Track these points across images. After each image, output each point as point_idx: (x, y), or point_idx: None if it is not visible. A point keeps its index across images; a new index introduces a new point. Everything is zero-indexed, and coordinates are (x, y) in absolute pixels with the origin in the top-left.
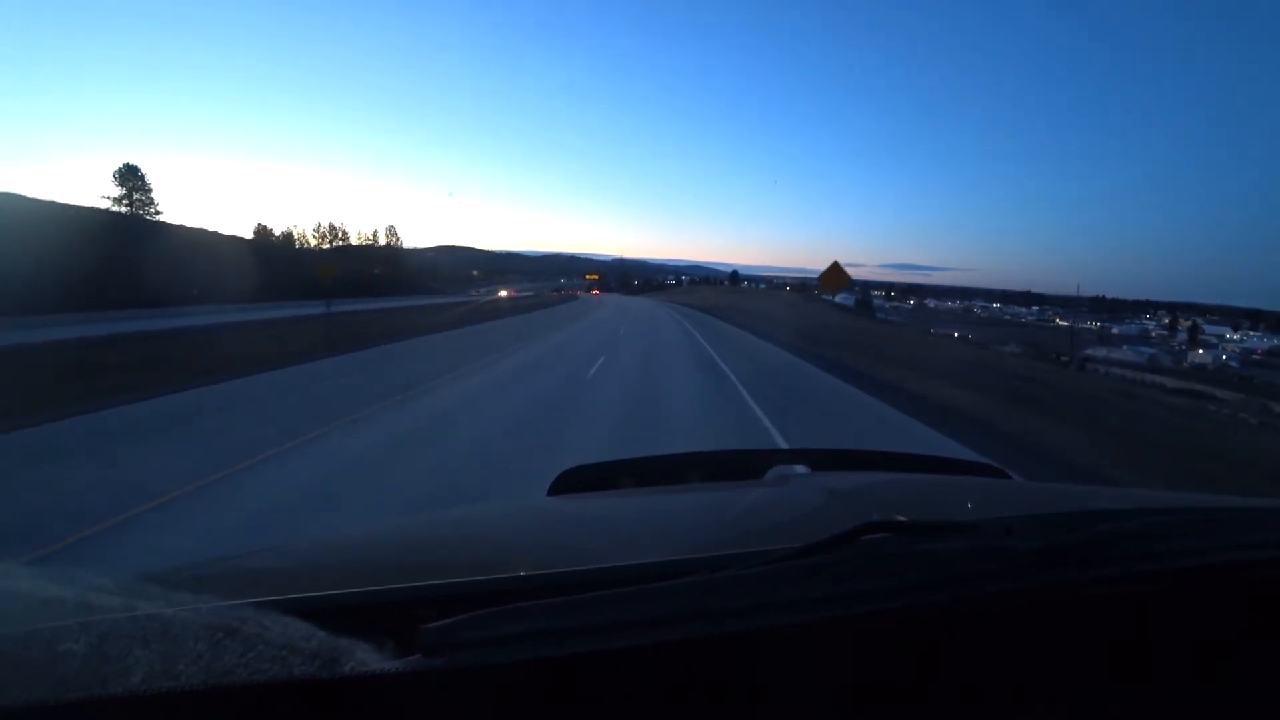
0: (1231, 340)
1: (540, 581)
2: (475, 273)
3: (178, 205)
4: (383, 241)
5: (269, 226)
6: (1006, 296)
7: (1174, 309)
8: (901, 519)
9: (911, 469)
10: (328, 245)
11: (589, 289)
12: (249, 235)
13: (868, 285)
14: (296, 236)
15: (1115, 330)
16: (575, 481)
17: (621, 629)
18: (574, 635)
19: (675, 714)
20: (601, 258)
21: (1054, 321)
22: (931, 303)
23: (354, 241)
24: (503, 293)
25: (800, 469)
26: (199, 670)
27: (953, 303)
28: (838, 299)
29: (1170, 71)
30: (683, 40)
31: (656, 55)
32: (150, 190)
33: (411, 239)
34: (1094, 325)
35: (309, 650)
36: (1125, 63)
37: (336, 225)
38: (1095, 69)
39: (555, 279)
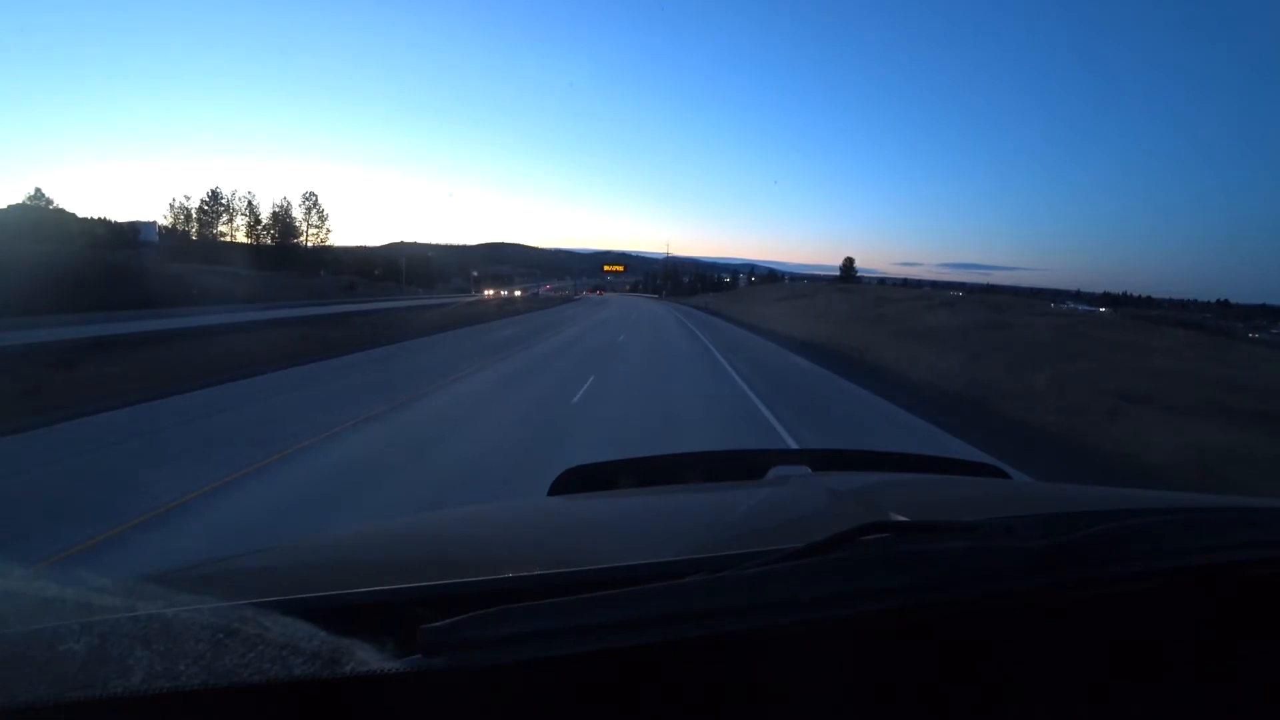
0: None
1: (540, 581)
2: (475, 273)
3: None
4: (301, 222)
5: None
6: (1111, 300)
7: None
8: (901, 519)
9: (912, 469)
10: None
11: (625, 285)
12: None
13: (937, 286)
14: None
15: None
16: (575, 481)
17: (621, 629)
18: (574, 635)
19: (675, 714)
20: (653, 255)
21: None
22: None
23: (264, 218)
24: (512, 292)
25: (801, 469)
26: (200, 670)
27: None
28: None
29: (1170, 73)
30: (733, 38)
31: (708, 52)
32: None
33: (461, 236)
34: (1254, 337)
35: (309, 650)
36: (1135, 56)
37: (226, 196)
38: (1118, 65)
39: (602, 276)
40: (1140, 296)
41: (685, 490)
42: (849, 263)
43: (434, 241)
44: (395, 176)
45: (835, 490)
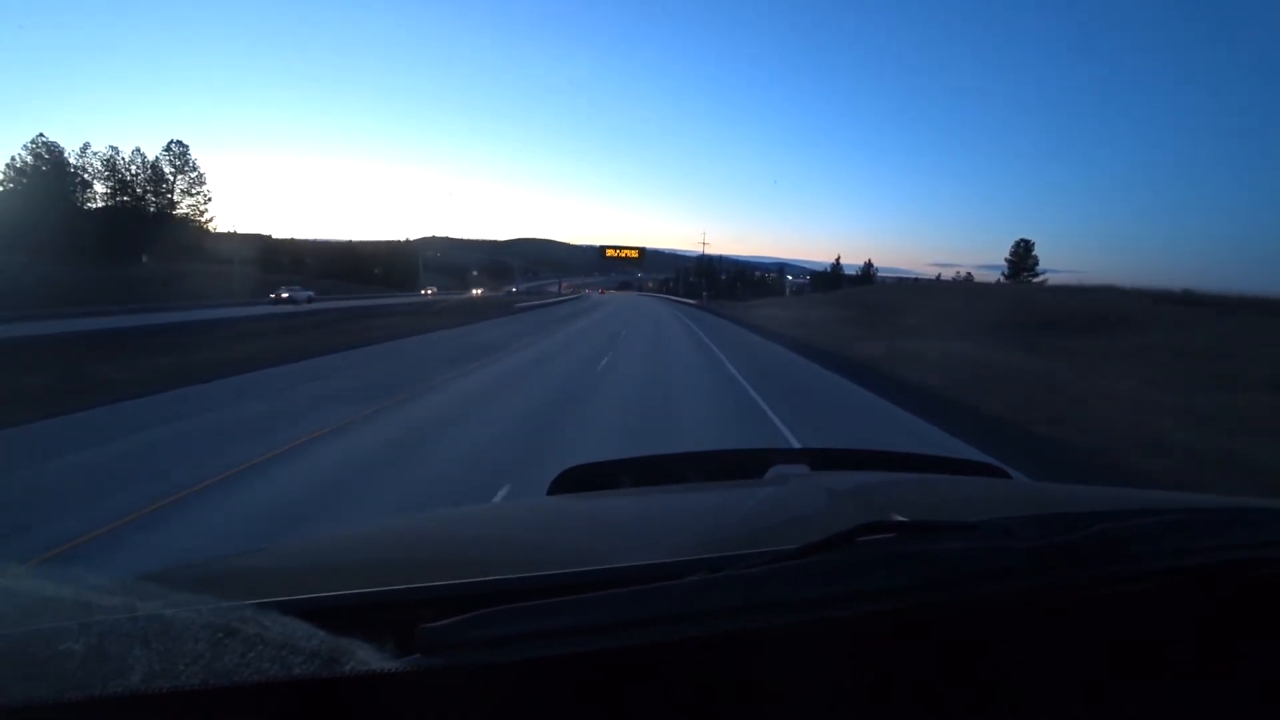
0: None
1: (539, 582)
2: (475, 272)
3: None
4: (171, 180)
5: None
6: (1195, 300)
7: None
8: (901, 519)
9: (911, 469)
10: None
11: (648, 282)
12: None
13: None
14: None
15: None
16: (575, 481)
17: (619, 629)
18: (572, 635)
19: (672, 714)
20: (690, 254)
21: None
22: None
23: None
24: (470, 292)
25: (800, 469)
26: (199, 670)
27: None
28: None
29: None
30: (769, 34)
31: (740, 48)
32: None
33: (496, 232)
34: None
35: (309, 650)
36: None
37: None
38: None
39: (630, 271)
40: (1224, 296)
41: (684, 490)
42: (1026, 247)
43: (465, 237)
44: (434, 173)
45: (834, 490)
